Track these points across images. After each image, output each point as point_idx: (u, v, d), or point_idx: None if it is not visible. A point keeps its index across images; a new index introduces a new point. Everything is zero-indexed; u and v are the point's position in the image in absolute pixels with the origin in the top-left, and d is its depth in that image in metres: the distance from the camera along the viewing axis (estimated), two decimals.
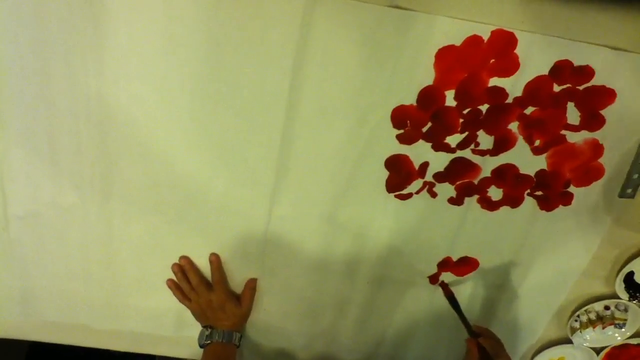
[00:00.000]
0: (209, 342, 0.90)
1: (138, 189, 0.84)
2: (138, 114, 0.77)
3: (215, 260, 0.91)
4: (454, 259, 0.92)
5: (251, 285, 0.94)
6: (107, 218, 0.87)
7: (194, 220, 0.87)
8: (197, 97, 0.75)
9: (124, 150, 0.80)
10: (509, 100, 0.76)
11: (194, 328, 1.00)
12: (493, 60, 0.72)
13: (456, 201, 0.85)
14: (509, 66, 0.73)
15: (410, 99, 0.75)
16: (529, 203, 0.86)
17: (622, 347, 1.06)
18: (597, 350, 1.07)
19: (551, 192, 0.84)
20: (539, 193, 0.85)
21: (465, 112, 0.76)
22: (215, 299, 0.91)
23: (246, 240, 0.89)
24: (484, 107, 0.76)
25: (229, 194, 0.84)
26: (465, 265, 0.93)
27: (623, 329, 1.03)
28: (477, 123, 0.77)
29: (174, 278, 0.93)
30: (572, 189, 0.85)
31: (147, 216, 0.87)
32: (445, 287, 0.94)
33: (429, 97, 0.75)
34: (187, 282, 0.92)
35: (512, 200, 0.86)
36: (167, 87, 0.74)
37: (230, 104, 0.76)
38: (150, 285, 0.96)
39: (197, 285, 0.91)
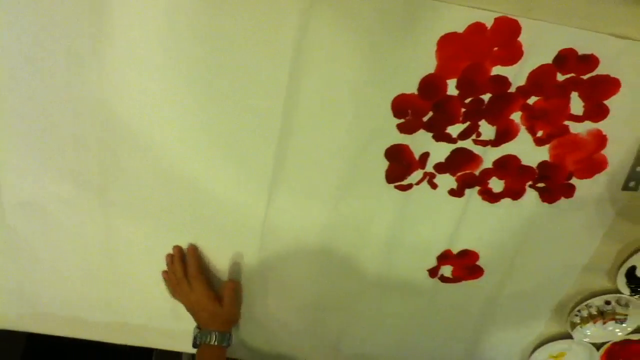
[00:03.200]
0: (199, 342, 0.89)
1: (135, 182, 0.83)
2: (137, 107, 0.76)
3: (190, 252, 0.88)
4: (454, 252, 0.91)
5: (231, 286, 0.91)
6: (104, 210, 0.86)
7: (191, 212, 0.86)
8: (196, 88, 0.74)
9: (122, 142, 0.79)
10: (512, 89, 0.74)
11: (191, 321, 0.99)
12: (496, 48, 0.71)
13: (457, 193, 0.84)
14: (513, 54, 0.71)
15: (412, 88, 0.74)
16: (530, 195, 0.85)
17: (623, 343, 1.05)
18: (598, 346, 1.06)
19: (553, 184, 0.83)
20: (541, 185, 0.84)
21: (467, 101, 0.75)
22: (195, 298, 0.89)
23: (244, 232, 0.89)
24: (486, 97, 0.75)
25: (226, 185, 0.83)
26: (466, 258, 0.92)
27: (624, 325, 1.01)
28: (479, 113, 0.76)
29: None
30: (574, 181, 0.83)
31: (144, 208, 0.86)
32: None
33: (430, 85, 0.73)
34: (174, 274, 0.90)
35: (514, 192, 0.84)
36: (166, 80, 0.74)
37: (229, 94, 0.75)
38: (146, 278, 0.95)
39: (180, 281, 0.89)
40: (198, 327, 0.90)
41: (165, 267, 0.93)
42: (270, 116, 0.77)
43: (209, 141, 0.79)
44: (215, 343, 0.87)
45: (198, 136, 0.79)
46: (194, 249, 0.88)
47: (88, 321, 1.01)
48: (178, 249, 0.89)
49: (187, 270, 0.89)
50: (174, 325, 1.02)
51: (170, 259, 0.90)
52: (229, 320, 0.92)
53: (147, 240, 0.90)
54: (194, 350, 1.02)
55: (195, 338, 0.89)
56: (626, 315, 1.00)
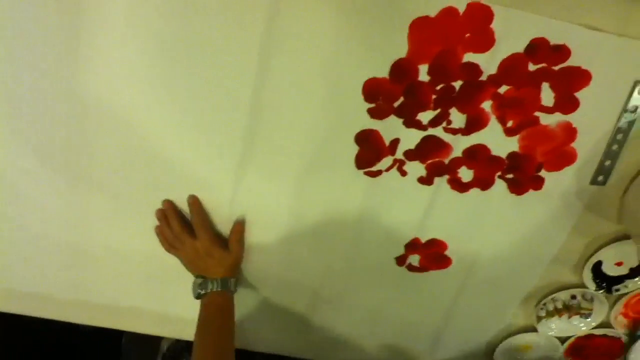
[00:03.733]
0: (203, 292, 0.87)
1: (103, 158, 0.82)
2: (105, 83, 0.75)
3: (194, 203, 0.86)
4: (423, 240, 0.91)
5: (238, 229, 0.89)
6: (70, 186, 0.84)
7: (157, 190, 0.85)
8: (164, 65, 0.73)
9: (89, 117, 0.78)
10: (483, 77, 0.74)
11: (165, 303, 0.98)
12: (468, 34, 0.70)
13: (426, 181, 0.84)
14: (484, 41, 0.71)
15: (383, 72, 0.73)
16: (499, 186, 0.85)
17: (587, 338, 1.06)
18: (562, 340, 1.07)
19: (522, 175, 0.83)
20: (510, 176, 0.84)
21: (438, 88, 0.75)
22: (201, 245, 0.87)
23: (211, 212, 0.87)
24: (457, 84, 0.75)
25: (194, 164, 0.82)
26: (434, 247, 0.92)
27: (588, 319, 1.02)
28: (450, 100, 0.76)
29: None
30: (543, 173, 0.83)
31: (111, 185, 0.84)
32: None
33: (401, 70, 0.73)
34: (171, 229, 0.88)
35: (483, 182, 0.84)
36: (134, 56, 0.72)
37: (198, 72, 0.74)
38: (115, 255, 0.93)
39: (179, 233, 0.87)
40: (201, 276, 0.89)
41: (135, 246, 0.91)
42: (239, 96, 0.76)
43: (177, 119, 0.78)
44: (226, 289, 0.87)
45: (166, 114, 0.77)
46: (196, 199, 0.86)
47: (55, 300, 0.99)
48: (169, 203, 0.87)
49: (192, 220, 0.87)
50: (146, 306, 1.00)
51: (162, 214, 0.87)
52: (236, 265, 0.91)
53: (115, 217, 0.88)
54: (168, 332, 1.01)
55: (199, 288, 0.87)
56: (591, 310, 1.01)
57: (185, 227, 0.86)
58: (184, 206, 0.87)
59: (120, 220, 0.89)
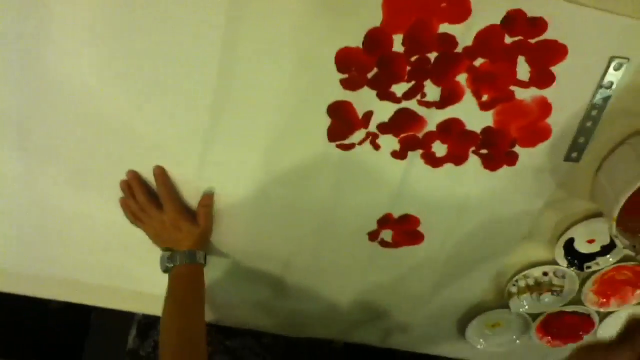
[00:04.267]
0: (171, 265, 0.85)
1: (63, 128, 0.79)
2: (64, 50, 0.72)
3: (160, 174, 0.83)
4: (395, 216, 0.90)
5: (206, 201, 0.86)
6: (31, 157, 0.82)
7: (122, 160, 0.83)
8: (127, 33, 0.70)
9: (50, 87, 0.75)
10: (459, 49, 0.72)
11: (133, 278, 0.97)
12: (444, 4, 0.69)
13: (399, 155, 0.82)
14: (460, 12, 0.69)
15: (356, 41, 0.71)
16: (473, 161, 0.84)
17: (557, 315, 1.06)
18: (533, 317, 1.07)
19: (496, 151, 0.82)
20: (484, 151, 0.83)
21: (412, 59, 0.73)
22: (167, 218, 0.84)
23: (177, 184, 0.85)
24: (432, 56, 0.73)
25: (160, 134, 0.80)
26: (406, 223, 0.91)
27: (559, 296, 1.03)
28: (424, 72, 0.74)
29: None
30: (517, 149, 0.82)
31: (73, 155, 0.82)
32: None
33: (375, 39, 0.71)
34: (136, 200, 0.85)
35: (457, 157, 0.83)
36: (95, 22, 0.69)
37: (162, 41, 0.71)
38: (80, 229, 0.91)
39: (145, 205, 0.84)
40: (169, 249, 0.87)
41: (98, 218, 0.89)
42: (205, 64, 0.73)
43: (141, 88, 0.75)
44: (195, 262, 0.85)
45: (130, 82, 0.74)
46: (162, 170, 0.83)
47: (18, 275, 0.97)
48: (133, 174, 0.84)
49: (159, 191, 0.84)
50: (113, 281, 0.98)
51: (126, 185, 0.84)
52: (204, 237, 0.89)
53: (78, 190, 0.86)
54: (137, 307, 0.99)
55: (167, 262, 0.85)
56: (562, 287, 1.01)
57: (151, 199, 0.84)
58: (149, 178, 0.84)
59: (83, 193, 0.86)
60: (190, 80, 0.75)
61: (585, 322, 1.08)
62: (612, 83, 0.76)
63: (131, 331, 1.10)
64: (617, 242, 0.81)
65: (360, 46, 0.71)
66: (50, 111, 0.77)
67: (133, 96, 0.76)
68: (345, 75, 0.74)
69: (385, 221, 0.90)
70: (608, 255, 0.95)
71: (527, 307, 1.04)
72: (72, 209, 0.88)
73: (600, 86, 0.77)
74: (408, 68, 0.74)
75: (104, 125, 0.78)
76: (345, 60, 0.72)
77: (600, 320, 1.08)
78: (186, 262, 0.85)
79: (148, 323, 1.05)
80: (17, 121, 0.78)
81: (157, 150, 0.82)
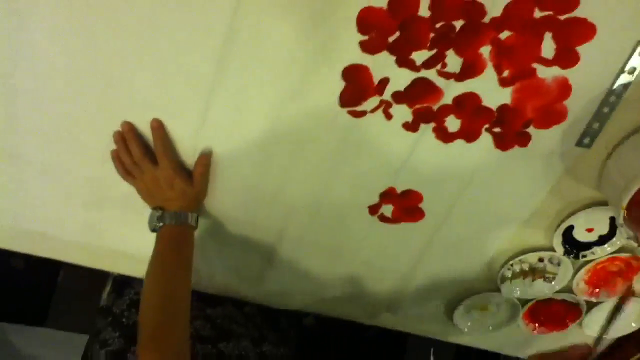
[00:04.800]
0: (160, 224, 0.81)
1: (48, 71, 0.74)
2: None
3: (158, 128, 0.78)
4: (398, 190, 0.87)
5: (203, 161, 0.82)
6: (15, 97, 0.76)
7: (117, 110, 0.78)
8: None
9: (37, 31, 0.70)
10: (486, 19, 0.69)
11: (109, 237, 0.93)
12: None
13: (411, 127, 0.79)
14: None
15: (381, 1, 0.67)
16: (485, 139, 0.81)
17: (546, 302, 1.06)
18: (523, 302, 1.06)
19: (510, 130, 0.80)
20: (497, 130, 0.80)
21: (437, 25, 0.69)
22: (162, 175, 0.80)
23: (175, 141, 0.81)
24: (458, 25, 0.69)
25: (160, 86, 0.75)
26: (408, 199, 0.88)
27: (552, 284, 1.02)
28: (448, 40, 0.71)
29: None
30: (531, 130, 0.80)
31: (61, 105, 0.76)
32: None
33: (401, 1, 0.67)
34: (129, 154, 0.80)
35: (469, 134, 0.80)
36: None
37: None
38: (60, 179, 0.86)
39: (140, 159, 0.80)
40: (160, 208, 0.82)
41: (83, 170, 0.84)
42: (215, 13, 0.69)
43: (144, 37, 0.71)
44: (186, 223, 0.82)
45: (131, 30, 0.70)
46: (160, 123, 0.78)
47: None
48: (129, 125, 0.79)
49: (155, 146, 0.80)
50: (85, 238, 0.94)
51: (120, 137, 0.79)
52: (198, 199, 0.85)
53: (64, 137, 0.81)
54: (109, 265, 0.94)
55: (157, 221, 0.81)
56: (555, 274, 1.01)
57: (146, 153, 0.79)
58: (145, 131, 0.80)
59: (70, 141, 0.81)
60: (197, 30, 0.70)
61: (573, 311, 1.08)
62: (634, 69, 0.74)
63: (106, 287, 1.06)
64: (621, 231, 0.80)
65: (385, 7, 0.67)
66: (37, 57, 0.72)
67: (134, 45, 0.71)
68: (366, 37, 0.70)
69: (387, 195, 0.87)
70: (606, 245, 0.95)
71: (518, 292, 1.03)
72: (50, 161, 0.84)
73: (622, 71, 0.74)
74: (432, 35, 0.70)
75: (99, 74, 0.74)
76: (367, 20, 0.69)
77: (588, 311, 1.08)
78: (176, 223, 0.81)
79: (124, 281, 1.01)
80: (5, 67, 0.72)
81: (155, 104, 0.77)
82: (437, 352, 1.72)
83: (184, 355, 0.73)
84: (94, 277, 1.07)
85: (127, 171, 0.82)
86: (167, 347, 0.72)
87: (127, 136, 0.79)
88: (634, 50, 0.73)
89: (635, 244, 0.82)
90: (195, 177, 0.82)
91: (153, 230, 0.82)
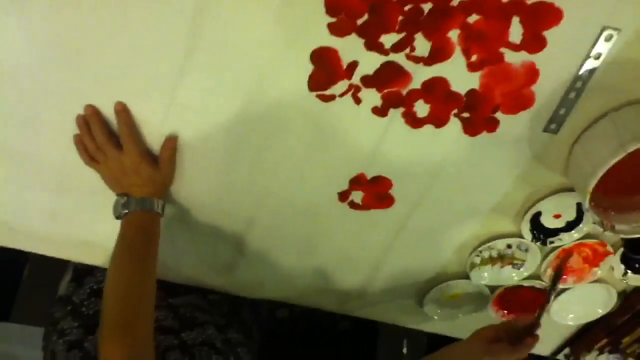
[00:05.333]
0: (125, 211, 0.79)
1: (10, 53, 0.72)
2: None
3: (123, 111, 0.76)
4: (368, 177, 0.87)
5: (169, 145, 0.80)
6: None
7: (79, 92, 0.76)
8: None
9: None
10: (454, 3, 0.69)
11: (69, 223, 0.91)
12: None
13: (380, 112, 0.79)
14: None
15: None
16: (454, 125, 0.81)
17: (515, 289, 1.07)
18: (492, 289, 1.07)
19: (478, 115, 0.80)
20: (466, 115, 0.80)
21: (406, 8, 0.69)
22: (127, 160, 0.78)
23: (141, 125, 0.79)
24: (427, 7, 0.69)
25: (125, 67, 0.73)
26: (378, 185, 0.88)
27: (520, 270, 1.03)
28: (416, 24, 0.70)
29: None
30: (499, 115, 0.80)
31: (22, 85, 0.74)
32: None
33: None
34: (93, 139, 0.78)
35: (438, 119, 0.80)
36: None
37: None
38: (21, 164, 0.84)
39: (103, 144, 0.77)
40: (125, 194, 0.80)
41: (43, 152, 0.82)
42: None
43: (110, 17, 0.69)
44: (152, 210, 0.80)
45: (96, 9, 0.68)
46: (124, 107, 0.76)
47: None
48: (93, 109, 0.76)
49: (120, 131, 0.78)
50: (45, 227, 0.92)
51: (83, 121, 0.77)
52: (165, 185, 0.84)
53: (25, 121, 0.79)
54: (71, 254, 0.92)
55: (122, 207, 0.79)
56: (524, 261, 1.02)
57: (110, 138, 0.77)
58: (109, 116, 0.78)
59: (31, 123, 0.79)
60: (164, 10, 0.68)
61: (540, 297, 1.09)
62: (600, 54, 0.75)
63: (65, 277, 1.03)
64: (587, 216, 0.81)
65: None
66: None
67: (99, 23, 0.69)
68: (334, 19, 0.69)
69: (357, 181, 0.87)
70: (572, 231, 0.96)
71: (487, 279, 1.04)
72: (12, 145, 0.82)
73: (588, 56, 0.75)
74: (400, 18, 0.70)
75: (62, 53, 0.71)
76: (336, 1, 0.68)
77: (556, 296, 1.10)
78: (142, 209, 0.80)
79: (85, 269, 0.99)
80: None
81: (120, 87, 0.75)
82: (409, 343, 1.74)
83: (148, 344, 0.72)
84: (60, 270, 1.05)
85: (90, 157, 0.80)
86: (131, 336, 0.70)
87: (90, 120, 0.77)
88: (599, 36, 0.73)
89: (601, 229, 0.83)
90: (161, 161, 0.81)
91: (118, 217, 0.81)
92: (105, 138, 0.77)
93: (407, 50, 0.73)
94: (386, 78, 0.75)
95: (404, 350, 1.76)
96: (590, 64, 0.76)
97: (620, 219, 0.83)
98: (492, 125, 0.81)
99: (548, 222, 0.94)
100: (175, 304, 0.94)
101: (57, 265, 1.00)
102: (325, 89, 0.76)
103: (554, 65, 0.76)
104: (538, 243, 0.97)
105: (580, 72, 0.76)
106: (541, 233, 0.96)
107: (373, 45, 0.72)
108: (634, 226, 0.82)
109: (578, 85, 0.78)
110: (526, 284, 1.06)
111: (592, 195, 0.78)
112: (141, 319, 0.73)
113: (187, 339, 0.86)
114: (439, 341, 1.21)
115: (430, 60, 0.74)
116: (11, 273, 1.65)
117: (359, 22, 0.70)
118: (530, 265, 1.02)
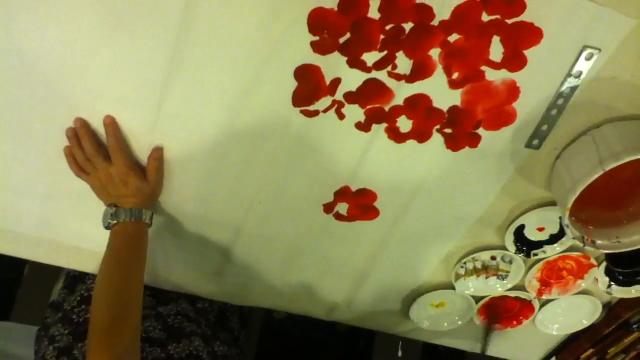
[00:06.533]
0: (115, 222, 0.80)
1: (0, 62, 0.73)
2: None
3: (111, 124, 0.78)
4: (353, 189, 0.88)
5: (155, 155, 0.82)
6: None
7: (69, 106, 0.77)
8: None
9: None
10: (435, 22, 0.70)
11: (59, 230, 0.93)
12: None
13: (364, 127, 0.80)
14: None
15: (332, 2, 0.68)
16: (436, 140, 0.82)
17: (500, 299, 1.08)
18: (477, 299, 1.08)
19: (460, 130, 0.81)
20: (448, 130, 0.81)
21: (387, 27, 0.70)
22: (116, 171, 0.79)
23: (129, 137, 0.80)
24: (407, 27, 0.70)
25: (112, 80, 0.74)
26: (363, 197, 0.89)
27: (504, 281, 1.04)
28: (398, 42, 0.71)
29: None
30: (481, 131, 0.82)
31: (12, 94, 0.76)
32: None
33: (351, 2, 0.67)
34: (82, 150, 0.79)
35: (420, 134, 0.82)
36: None
37: None
38: (15, 174, 0.86)
39: (92, 155, 0.79)
40: (114, 205, 0.82)
41: (32, 164, 0.84)
42: (168, 8, 0.68)
43: (97, 30, 0.70)
44: (140, 220, 0.81)
45: (84, 23, 0.69)
46: (112, 120, 0.78)
47: None
48: (81, 121, 0.78)
49: (108, 143, 0.79)
50: (38, 233, 0.93)
51: (73, 133, 0.79)
52: (153, 195, 0.85)
53: (17, 134, 0.80)
54: (63, 261, 0.93)
55: (110, 218, 0.81)
56: (508, 272, 1.03)
57: (99, 149, 0.79)
58: (98, 128, 0.79)
59: (23, 132, 0.80)
60: (150, 24, 0.70)
61: (526, 308, 1.11)
62: (580, 73, 0.76)
63: (57, 283, 1.05)
64: (567, 231, 0.82)
65: (336, 8, 0.68)
66: None
67: (87, 38, 0.70)
68: (317, 38, 0.71)
69: (342, 193, 0.88)
70: (555, 244, 0.97)
71: (472, 289, 1.05)
72: (3, 153, 0.83)
73: (569, 75, 0.76)
74: (382, 37, 0.71)
75: (52, 65, 0.73)
76: (318, 20, 0.69)
77: (541, 307, 1.11)
78: (131, 220, 0.81)
79: (77, 276, 1.00)
80: None
81: (108, 99, 0.77)
82: (405, 346, 1.75)
83: (135, 353, 0.73)
84: (59, 270, 1.06)
85: (80, 168, 0.81)
86: (118, 345, 0.72)
87: (80, 132, 0.78)
88: (579, 55, 0.74)
89: (581, 244, 0.84)
90: (148, 172, 0.82)
91: (107, 227, 0.82)
92: (94, 150, 0.78)
93: (389, 68, 0.74)
94: (369, 95, 0.76)
95: (399, 354, 1.77)
96: (571, 82, 0.77)
97: (601, 233, 0.85)
98: (474, 140, 0.82)
99: (531, 234, 0.96)
100: (164, 313, 0.96)
101: (56, 266, 1.01)
102: (309, 105, 0.77)
103: (536, 82, 0.77)
104: (522, 255, 0.98)
105: (562, 90, 0.77)
106: (525, 245, 0.97)
107: (355, 62, 0.73)
108: (614, 242, 0.83)
109: (560, 103, 0.79)
110: (511, 294, 1.07)
111: (572, 210, 0.79)
112: (129, 328, 0.74)
113: (174, 352, 0.87)
114: (434, 345, 1.23)
115: (412, 77, 0.75)
116: (11, 272, 1.67)
117: (342, 40, 0.71)
118: (514, 277, 1.03)
